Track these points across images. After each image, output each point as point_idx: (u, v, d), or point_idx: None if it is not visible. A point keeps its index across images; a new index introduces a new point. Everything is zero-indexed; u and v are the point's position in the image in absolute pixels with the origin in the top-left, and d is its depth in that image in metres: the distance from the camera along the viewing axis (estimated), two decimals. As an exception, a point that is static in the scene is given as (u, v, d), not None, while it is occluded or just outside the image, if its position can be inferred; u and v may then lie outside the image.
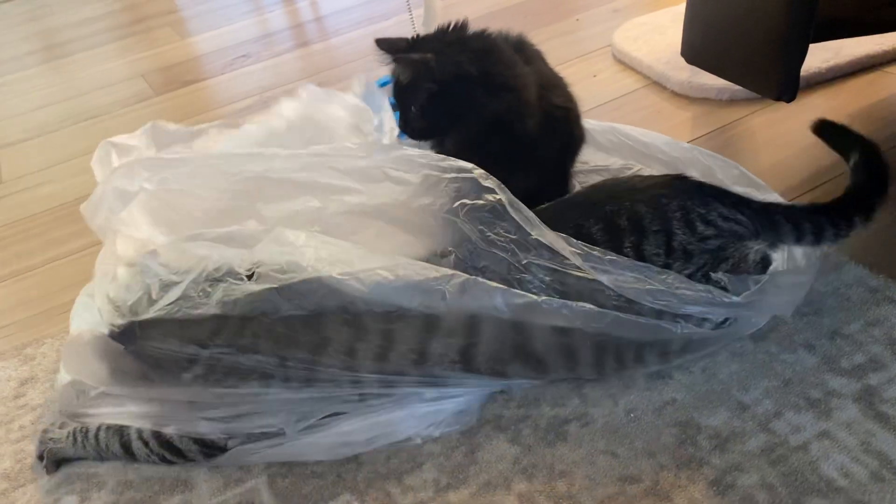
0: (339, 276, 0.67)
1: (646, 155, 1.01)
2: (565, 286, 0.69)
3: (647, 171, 1.00)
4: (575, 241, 0.71)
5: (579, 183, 1.00)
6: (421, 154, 0.77)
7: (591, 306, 0.68)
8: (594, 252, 0.70)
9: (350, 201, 0.75)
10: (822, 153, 0.90)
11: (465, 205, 0.72)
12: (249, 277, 0.69)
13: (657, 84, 1.31)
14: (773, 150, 1.09)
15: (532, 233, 0.70)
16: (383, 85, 1.31)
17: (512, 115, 0.87)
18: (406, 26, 1.63)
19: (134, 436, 0.74)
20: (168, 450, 0.73)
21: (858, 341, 0.75)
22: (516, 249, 0.70)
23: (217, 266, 0.69)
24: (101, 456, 0.75)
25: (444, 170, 0.74)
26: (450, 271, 0.68)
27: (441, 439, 0.72)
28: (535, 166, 0.90)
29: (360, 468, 0.71)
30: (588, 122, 1.01)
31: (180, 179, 0.78)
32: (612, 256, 0.70)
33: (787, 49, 0.93)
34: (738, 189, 0.85)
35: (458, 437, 0.72)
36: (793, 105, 1.02)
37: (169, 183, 0.77)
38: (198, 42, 1.94)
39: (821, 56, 1.22)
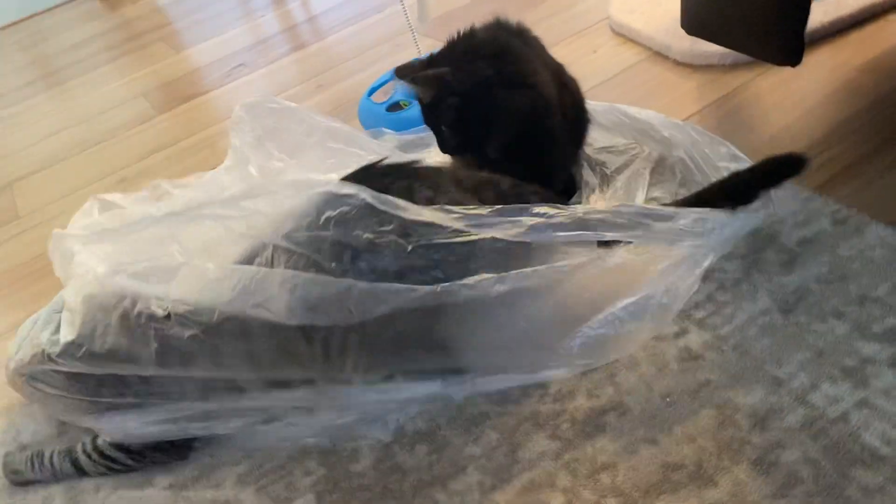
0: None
1: (643, 133, 1.01)
2: (460, 255, 0.70)
3: (646, 151, 1.00)
4: (452, 207, 0.71)
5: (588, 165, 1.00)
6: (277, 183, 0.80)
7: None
8: (472, 211, 0.70)
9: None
10: (833, 111, 0.89)
11: (329, 217, 0.71)
12: (167, 317, 0.73)
13: (659, 55, 1.29)
14: (782, 112, 1.07)
15: (407, 216, 0.70)
16: (379, 87, 1.31)
17: (538, 110, 0.87)
18: (398, 18, 1.62)
19: (80, 452, 0.81)
20: (108, 459, 0.80)
21: (888, 304, 0.74)
22: (398, 239, 0.70)
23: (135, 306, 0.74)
24: (56, 477, 0.82)
25: (302, 189, 0.75)
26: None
27: (481, 440, 0.73)
28: (568, 156, 0.91)
29: (405, 477, 0.72)
30: (589, 103, 1.01)
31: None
32: (490, 209, 0.70)
33: (790, 10, 0.91)
34: (723, 165, 0.87)
35: (498, 437, 0.73)
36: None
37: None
38: (193, 55, 1.94)
39: (821, 9, 1.21)
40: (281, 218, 0.74)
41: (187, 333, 0.72)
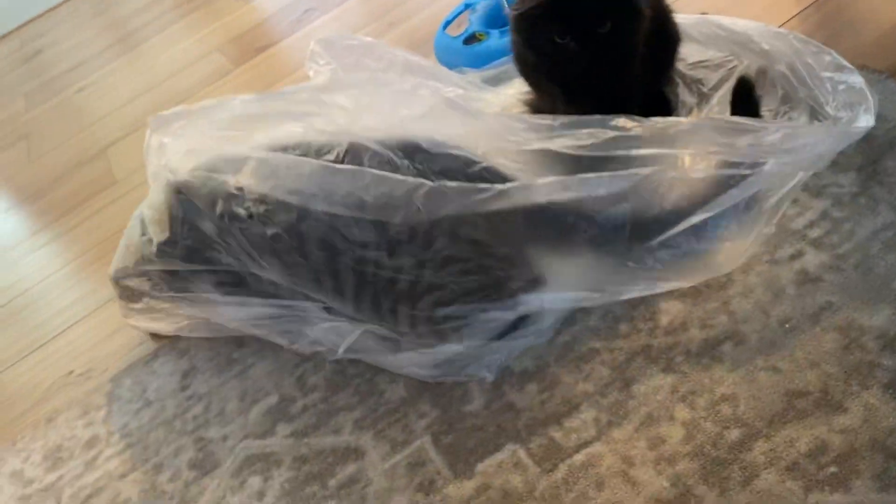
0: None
1: (742, 46, 0.94)
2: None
3: (744, 63, 0.94)
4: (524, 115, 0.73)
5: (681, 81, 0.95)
6: None
7: None
8: (543, 121, 0.71)
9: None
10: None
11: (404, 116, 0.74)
12: (250, 217, 0.75)
13: (749, -45, 1.20)
14: (891, 9, 0.99)
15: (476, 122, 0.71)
16: (454, 18, 1.27)
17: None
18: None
19: None
20: None
21: None
22: None
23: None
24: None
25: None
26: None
27: (592, 377, 0.72)
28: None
29: (519, 416, 0.73)
30: (679, 16, 0.95)
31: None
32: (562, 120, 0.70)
33: None
34: (826, 76, 0.81)
35: (610, 372, 0.72)
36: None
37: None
38: (261, 3, 1.93)
39: None
40: (359, 112, 0.74)
41: (270, 232, 0.74)
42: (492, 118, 0.74)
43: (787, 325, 0.69)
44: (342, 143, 0.74)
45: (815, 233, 0.75)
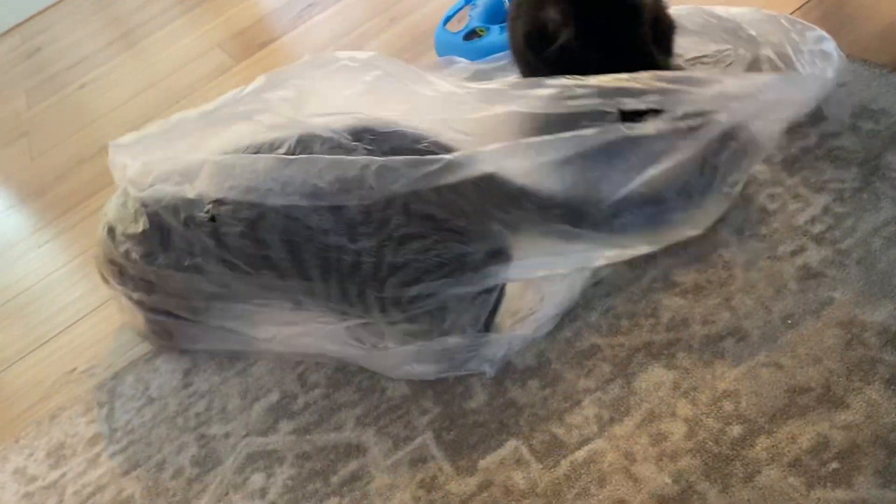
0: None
1: (733, 34, 0.94)
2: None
3: (737, 54, 0.94)
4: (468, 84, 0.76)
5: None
6: None
7: None
8: (489, 86, 0.75)
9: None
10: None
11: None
12: (212, 220, 0.76)
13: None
14: (893, 3, 0.98)
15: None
16: (454, 14, 1.27)
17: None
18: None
19: None
20: None
21: None
22: None
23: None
24: None
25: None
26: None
27: (594, 373, 0.72)
28: None
29: (520, 413, 0.73)
30: (678, 7, 0.95)
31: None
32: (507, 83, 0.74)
33: None
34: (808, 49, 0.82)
35: (611, 369, 0.72)
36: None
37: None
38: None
39: None
40: (302, 100, 0.76)
41: (233, 231, 0.76)
42: (438, 88, 0.75)
43: (788, 321, 0.69)
44: (292, 136, 0.75)
45: (816, 228, 0.75)
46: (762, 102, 0.74)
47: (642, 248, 0.76)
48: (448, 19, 1.26)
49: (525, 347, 0.77)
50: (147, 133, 0.91)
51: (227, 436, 0.83)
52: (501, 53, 1.04)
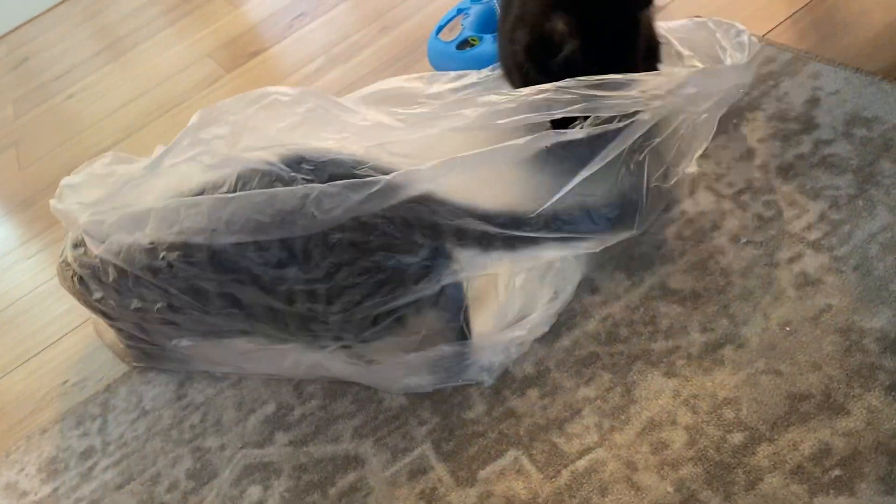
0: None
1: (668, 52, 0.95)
2: None
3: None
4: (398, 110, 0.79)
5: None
6: None
7: None
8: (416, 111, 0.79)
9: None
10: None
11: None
12: (169, 266, 0.77)
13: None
14: (884, 6, 0.99)
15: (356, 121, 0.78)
16: (446, 23, 1.27)
17: None
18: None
19: None
20: None
21: None
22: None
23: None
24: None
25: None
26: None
27: (593, 382, 0.72)
28: None
29: (520, 422, 0.72)
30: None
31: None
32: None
33: None
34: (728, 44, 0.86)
35: (611, 377, 0.72)
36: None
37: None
38: (252, 8, 1.92)
39: None
40: (237, 136, 0.77)
41: (191, 273, 0.76)
42: (368, 118, 0.77)
43: (787, 328, 0.69)
44: (232, 173, 0.76)
45: (813, 235, 0.75)
46: (683, 97, 0.76)
47: (590, 246, 0.78)
48: (440, 28, 1.26)
49: (523, 356, 0.77)
50: (90, 176, 0.91)
51: (222, 448, 0.83)
52: (494, 63, 1.04)
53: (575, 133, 0.73)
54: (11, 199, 1.57)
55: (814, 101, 0.87)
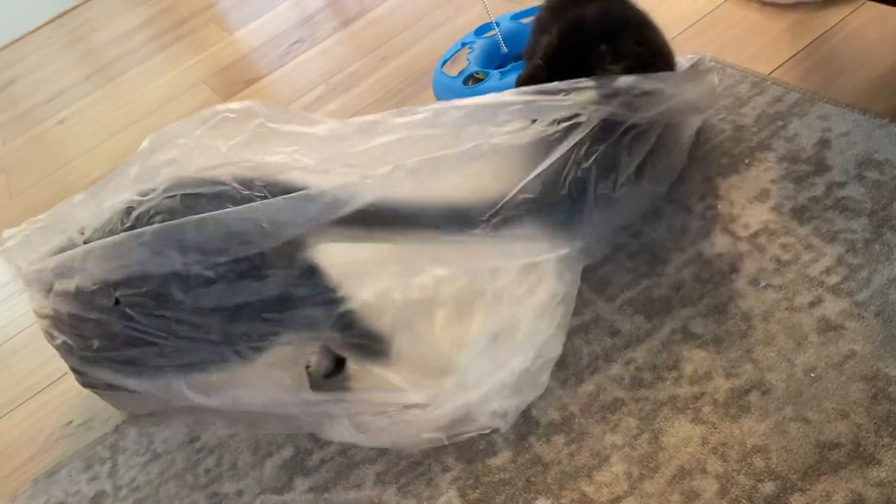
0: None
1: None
2: None
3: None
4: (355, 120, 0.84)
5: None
6: None
7: None
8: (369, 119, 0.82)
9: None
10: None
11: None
12: (117, 303, 0.76)
13: (742, -5, 1.23)
14: (885, 49, 1.01)
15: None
16: (450, 57, 1.27)
17: None
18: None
19: None
20: None
21: None
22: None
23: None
24: None
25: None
26: None
27: (619, 428, 0.72)
28: None
29: (547, 470, 0.72)
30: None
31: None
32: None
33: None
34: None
35: (637, 423, 0.72)
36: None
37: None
38: (246, 35, 1.92)
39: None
40: (187, 158, 0.81)
41: (139, 310, 0.76)
42: (321, 126, 0.82)
43: (812, 374, 0.70)
44: (175, 198, 0.77)
45: (832, 279, 0.76)
46: (621, 102, 0.79)
47: (535, 256, 0.81)
48: (445, 62, 1.27)
49: (545, 400, 0.77)
50: (34, 226, 0.91)
51: (239, 494, 0.81)
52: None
53: (519, 137, 0.77)
54: (2, 227, 1.54)
55: (824, 143, 0.89)
